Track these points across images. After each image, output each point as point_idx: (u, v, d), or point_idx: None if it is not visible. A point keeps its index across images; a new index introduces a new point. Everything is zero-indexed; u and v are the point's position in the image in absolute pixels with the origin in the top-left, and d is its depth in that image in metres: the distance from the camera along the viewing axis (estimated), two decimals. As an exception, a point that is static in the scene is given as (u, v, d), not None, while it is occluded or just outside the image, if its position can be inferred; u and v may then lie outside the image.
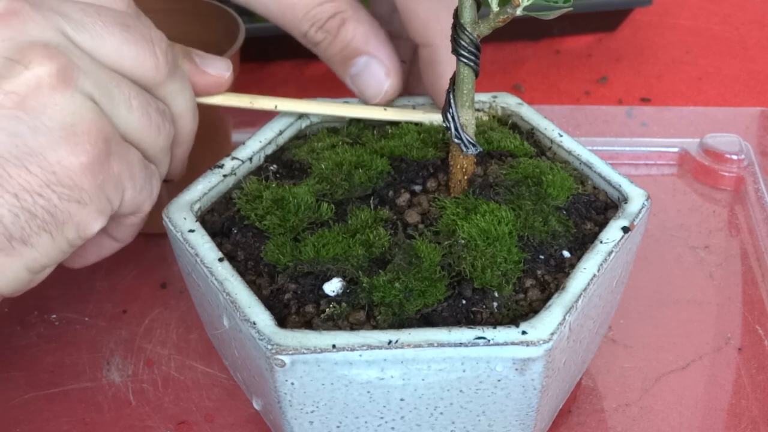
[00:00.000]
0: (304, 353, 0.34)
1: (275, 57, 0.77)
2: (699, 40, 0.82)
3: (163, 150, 0.40)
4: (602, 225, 0.41)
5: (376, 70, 0.46)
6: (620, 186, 0.42)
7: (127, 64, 0.38)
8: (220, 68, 0.44)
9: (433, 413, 0.37)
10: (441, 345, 0.34)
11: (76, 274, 0.56)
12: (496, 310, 0.37)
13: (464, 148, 0.40)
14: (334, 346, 0.34)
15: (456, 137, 0.40)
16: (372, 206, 0.41)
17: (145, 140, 0.39)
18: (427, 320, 0.37)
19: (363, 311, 0.37)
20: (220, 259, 0.38)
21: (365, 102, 0.47)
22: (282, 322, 0.36)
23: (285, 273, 0.38)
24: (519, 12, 0.34)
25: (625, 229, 0.40)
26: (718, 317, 0.52)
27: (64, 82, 0.35)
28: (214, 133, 0.57)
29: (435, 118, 0.46)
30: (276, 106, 0.46)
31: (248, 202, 0.41)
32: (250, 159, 0.45)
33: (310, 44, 0.47)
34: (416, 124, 0.46)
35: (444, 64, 0.45)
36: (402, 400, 0.36)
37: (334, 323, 0.36)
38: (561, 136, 0.46)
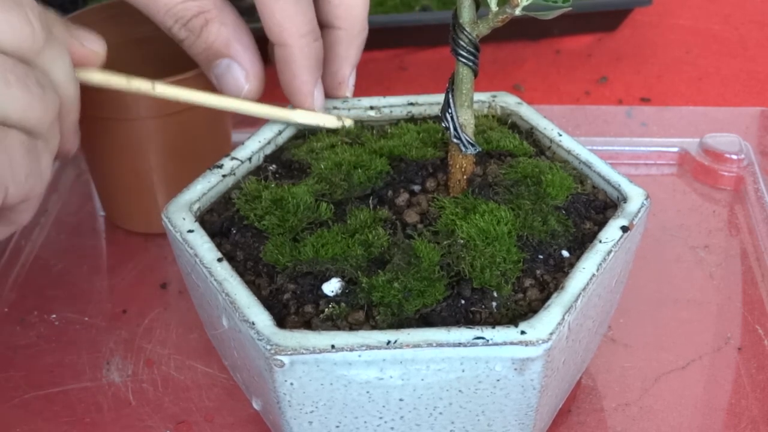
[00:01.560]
0: (303, 353, 0.34)
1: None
2: (699, 40, 0.82)
3: (51, 124, 0.38)
4: (601, 224, 0.41)
5: (237, 73, 0.47)
6: (619, 185, 0.42)
7: None
8: (94, 42, 0.43)
9: (432, 413, 0.37)
10: (440, 345, 0.34)
11: (76, 274, 0.56)
12: (495, 310, 0.37)
13: (463, 148, 0.40)
14: (333, 347, 0.34)
15: (455, 137, 0.40)
16: (371, 206, 0.41)
17: (30, 117, 0.36)
18: (426, 320, 0.37)
19: (362, 311, 0.37)
20: (219, 260, 0.38)
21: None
22: (281, 322, 0.36)
23: (284, 273, 0.38)
24: (518, 12, 0.34)
25: (625, 229, 0.40)
26: (718, 317, 0.52)
27: None
28: (213, 133, 0.57)
29: (294, 116, 0.47)
30: (154, 88, 0.44)
31: (247, 202, 0.41)
32: (250, 159, 0.45)
33: (176, 40, 0.47)
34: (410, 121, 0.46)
35: (297, 63, 0.45)
36: (401, 400, 0.36)
37: (333, 323, 0.36)
38: (560, 135, 0.46)
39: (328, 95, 0.49)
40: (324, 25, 0.48)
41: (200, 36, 0.46)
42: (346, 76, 0.49)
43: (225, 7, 0.47)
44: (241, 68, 0.47)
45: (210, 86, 0.54)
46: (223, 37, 0.46)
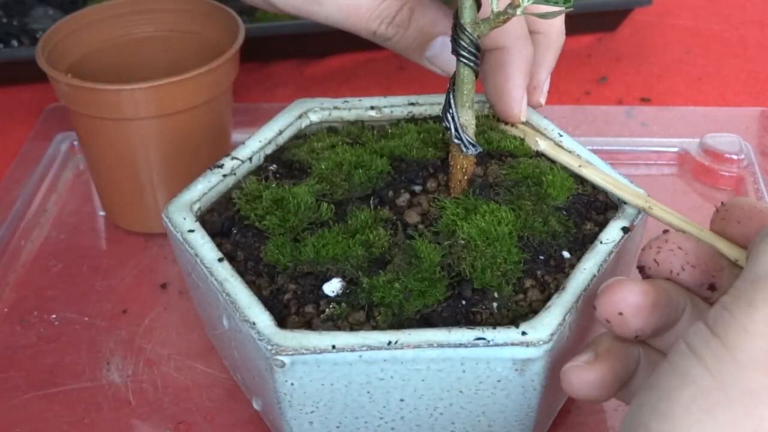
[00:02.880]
0: (303, 354, 0.34)
1: (275, 57, 0.77)
2: (699, 40, 0.82)
3: None
4: (602, 225, 0.41)
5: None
6: (620, 186, 0.42)
7: None
8: None
9: (432, 414, 0.37)
10: (441, 346, 0.34)
11: (76, 274, 0.56)
12: (495, 311, 0.37)
13: (464, 149, 0.40)
14: (333, 347, 0.34)
15: (456, 137, 0.40)
16: (372, 206, 0.41)
17: None
18: (426, 321, 0.37)
19: (363, 312, 0.37)
20: (220, 260, 0.38)
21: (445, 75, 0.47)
22: (282, 322, 0.36)
23: (285, 273, 0.38)
24: (519, 12, 0.34)
25: (625, 230, 0.40)
26: (718, 317, 0.52)
27: None
28: (213, 133, 0.57)
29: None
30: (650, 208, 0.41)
31: (248, 202, 0.41)
32: (250, 159, 0.45)
33: (379, 40, 0.47)
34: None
35: (513, 66, 0.44)
36: (402, 400, 0.36)
37: (334, 324, 0.36)
38: (561, 136, 0.46)
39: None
40: None
41: (409, 27, 0.45)
42: (542, 81, 0.47)
43: None
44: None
45: (209, 85, 0.54)
46: (430, 18, 0.45)
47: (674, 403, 0.27)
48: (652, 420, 0.27)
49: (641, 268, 0.36)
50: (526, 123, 0.46)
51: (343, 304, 0.37)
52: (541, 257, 0.39)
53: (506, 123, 0.46)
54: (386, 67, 0.77)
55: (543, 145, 0.44)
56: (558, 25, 0.47)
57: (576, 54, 0.80)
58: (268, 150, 0.46)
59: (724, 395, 0.26)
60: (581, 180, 0.43)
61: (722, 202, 0.37)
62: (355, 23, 0.46)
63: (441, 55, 0.46)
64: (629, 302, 0.33)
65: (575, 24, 0.81)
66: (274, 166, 0.45)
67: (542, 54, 0.47)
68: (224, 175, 0.44)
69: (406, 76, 0.76)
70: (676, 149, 0.64)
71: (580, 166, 0.43)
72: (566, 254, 0.39)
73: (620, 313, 0.33)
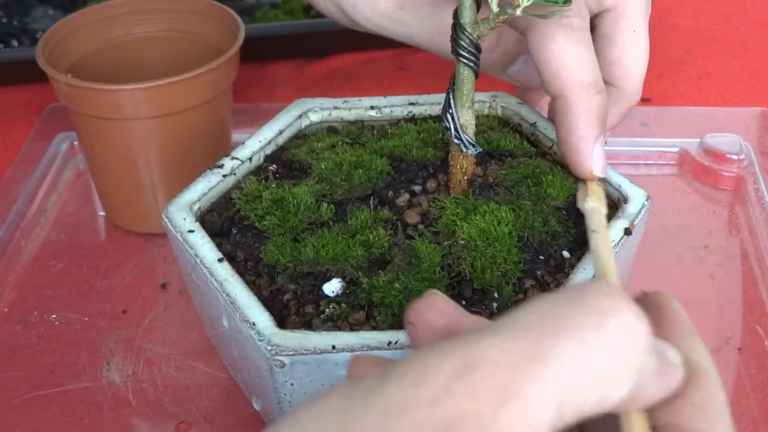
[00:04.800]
0: (303, 354, 0.34)
1: (275, 57, 0.77)
2: (699, 40, 0.82)
3: None
4: (602, 225, 0.40)
5: None
6: (620, 186, 0.42)
7: None
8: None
9: (432, 414, 0.37)
10: (441, 345, 0.34)
11: (76, 274, 0.56)
12: (495, 311, 0.37)
13: (464, 149, 0.40)
14: (333, 347, 0.34)
15: (456, 137, 0.40)
16: (372, 206, 0.41)
17: None
18: (426, 321, 0.36)
19: (363, 312, 0.37)
20: (220, 260, 0.38)
21: (526, 90, 0.50)
22: (282, 322, 0.36)
23: (285, 273, 0.38)
24: (519, 12, 0.34)
25: (626, 230, 0.40)
26: (718, 317, 0.52)
27: None
28: (213, 133, 0.57)
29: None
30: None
31: (248, 203, 0.41)
32: (250, 159, 0.45)
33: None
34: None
35: (574, 116, 0.40)
36: None
37: (334, 324, 0.36)
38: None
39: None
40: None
41: (496, 50, 0.47)
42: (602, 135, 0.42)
43: None
44: None
45: (209, 85, 0.54)
46: (513, 39, 0.46)
47: None
48: None
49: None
50: (603, 181, 0.41)
51: (343, 305, 0.37)
52: (541, 257, 0.39)
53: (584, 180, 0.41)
54: (386, 67, 0.77)
55: (589, 205, 0.39)
56: (637, 82, 0.45)
57: (576, 54, 0.80)
58: (268, 150, 0.46)
59: None
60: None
61: (644, 293, 0.32)
62: (438, 46, 0.46)
63: (522, 71, 0.48)
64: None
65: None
66: (274, 166, 0.45)
67: (611, 106, 0.43)
68: (224, 176, 0.44)
69: (406, 76, 0.76)
70: (676, 149, 0.64)
71: (593, 231, 0.37)
72: (566, 254, 0.39)
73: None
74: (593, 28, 0.44)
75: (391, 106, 0.49)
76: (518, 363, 0.22)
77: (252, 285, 0.38)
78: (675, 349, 0.26)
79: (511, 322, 0.23)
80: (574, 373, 0.22)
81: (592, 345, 0.23)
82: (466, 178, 0.42)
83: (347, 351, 0.34)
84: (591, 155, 0.40)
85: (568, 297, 0.24)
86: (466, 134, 0.40)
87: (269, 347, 0.34)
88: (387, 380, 0.22)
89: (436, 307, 0.28)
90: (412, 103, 0.49)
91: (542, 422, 0.22)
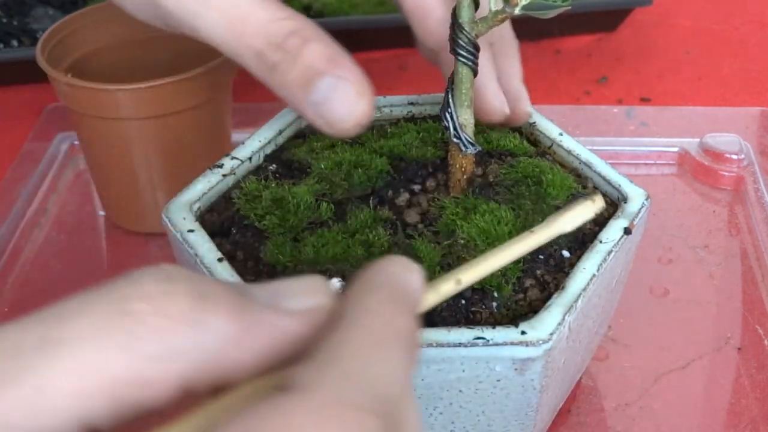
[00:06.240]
0: (303, 353, 0.34)
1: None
2: (699, 40, 0.82)
3: None
4: (602, 225, 0.41)
5: (346, 90, 0.38)
6: (620, 186, 0.42)
7: None
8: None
9: (432, 413, 0.37)
10: (440, 345, 0.34)
11: (76, 274, 0.56)
12: (495, 310, 0.37)
13: (463, 148, 0.40)
14: (333, 346, 0.34)
15: (455, 137, 0.40)
16: (371, 206, 0.41)
17: None
18: (426, 320, 0.36)
19: (362, 311, 0.37)
20: (220, 259, 0.38)
21: (332, 133, 0.39)
22: (281, 321, 0.36)
23: (284, 273, 0.38)
24: (517, 11, 0.34)
25: (626, 230, 0.40)
26: (718, 317, 0.52)
27: None
28: (213, 133, 0.57)
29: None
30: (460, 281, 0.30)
31: (248, 202, 0.41)
32: (250, 158, 0.45)
33: (263, 69, 0.39)
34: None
35: (483, 71, 0.41)
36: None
37: (334, 323, 0.36)
38: (561, 135, 0.46)
39: (511, 117, 0.45)
40: None
41: (298, 57, 0.38)
42: (519, 89, 0.45)
43: (318, 28, 0.40)
44: (350, 83, 0.38)
45: (209, 85, 0.54)
46: (326, 53, 0.38)
47: None
48: None
49: None
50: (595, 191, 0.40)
51: (343, 304, 0.37)
52: (541, 256, 0.39)
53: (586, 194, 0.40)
54: (386, 67, 0.77)
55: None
56: (508, 32, 0.46)
57: (576, 54, 0.80)
58: (268, 150, 0.46)
59: None
60: (581, 179, 0.43)
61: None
62: (240, 38, 0.39)
63: (328, 101, 0.38)
64: None
65: (575, 24, 0.81)
66: (274, 165, 0.45)
67: (507, 64, 0.45)
68: (224, 175, 0.44)
69: (406, 76, 0.76)
70: (676, 149, 0.64)
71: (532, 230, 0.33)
72: (566, 253, 0.39)
73: None
74: None
75: (391, 105, 0.49)
76: (28, 348, 0.21)
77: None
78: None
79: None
80: (112, 370, 0.21)
81: (124, 344, 0.21)
82: (465, 177, 0.42)
83: (347, 350, 0.34)
84: (499, 95, 0.43)
85: (98, 291, 0.23)
86: (465, 133, 0.40)
87: (269, 347, 0.34)
88: None
89: None
90: (411, 103, 0.49)
91: (58, 411, 0.20)
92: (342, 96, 0.38)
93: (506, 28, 0.45)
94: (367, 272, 0.25)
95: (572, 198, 0.41)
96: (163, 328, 0.21)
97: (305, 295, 0.24)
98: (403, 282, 0.24)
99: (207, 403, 0.23)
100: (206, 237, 0.40)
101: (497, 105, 0.44)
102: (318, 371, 0.21)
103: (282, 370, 0.22)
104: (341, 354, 0.21)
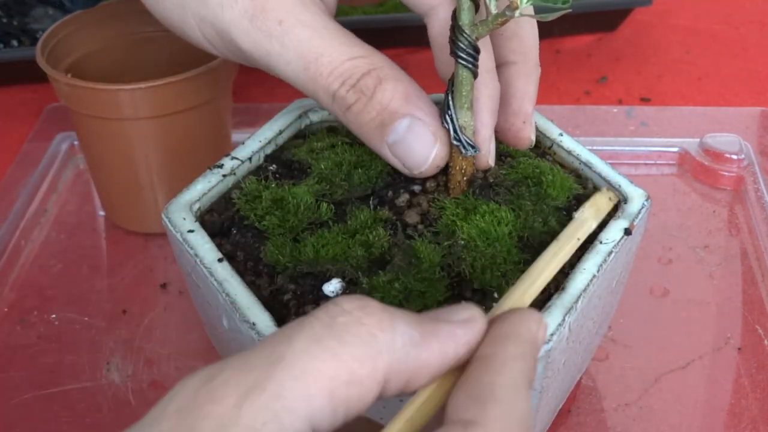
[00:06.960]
0: (303, 354, 0.34)
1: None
2: (699, 40, 0.82)
3: None
4: (602, 225, 0.41)
5: (423, 132, 0.39)
6: (620, 186, 0.42)
7: None
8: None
9: (432, 414, 0.37)
10: (440, 345, 0.34)
11: (76, 274, 0.56)
12: (495, 311, 0.37)
13: (463, 150, 0.40)
14: (333, 347, 0.34)
15: (455, 139, 0.40)
16: (371, 206, 0.41)
17: None
18: (426, 321, 0.36)
19: (362, 312, 0.37)
20: (220, 260, 0.38)
21: (410, 174, 0.40)
22: (281, 322, 0.36)
23: (284, 273, 0.38)
24: (518, 14, 0.34)
25: (626, 230, 0.40)
26: (718, 317, 0.52)
27: None
28: (213, 133, 0.57)
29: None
30: None
31: (248, 202, 0.41)
32: (250, 159, 0.45)
33: (339, 109, 0.39)
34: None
35: (479, 102, 0.40)
36: (401, 401, 0.36)
37: (334, 324, 0.36)
38: (561, 135, 0.46)
39: (512, 140, 0.44)
40: (497, 63, 0.42)
41: (373, 97, 0.38)
42: (530, 113, 0.43)
43: (394, 65, 0.40)
44: (426, 126, 0.38)
45: (209, 85, 0.54)
46: (401, 93, 0.38)
47: None
48: None
49: None
50: (600, 191, 0.41)
51: (343, 305, 0.37)
52: (541, 257, 0.39)
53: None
54: (386, 67, 0.77)
55: (579, 215, 0.38)
56: (534, 51, 0.43)
57: (576, 54, 0.80)
58: (268, 150, 0.46)
59: None
60: (581, 180, 0.43)
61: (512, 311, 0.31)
62: (313, 78, 0.39)
63: (404, 140, 0.39)
64: None
65: (575, 24, 0.81)
66: (274, 166, 0.45)
67: (524, 85, 0.43)
68: (224, 175, 0.44)
69: (406, 76, 0.76)
70: (676, 149, 0.64)
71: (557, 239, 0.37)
72: (566, 254, 0.39)
73: None
74: None
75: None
76: (260, 365, 0.25)
77: (252, 285, 0.38)
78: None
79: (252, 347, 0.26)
80: (329, 372, 0.25)
81: (336, 349, 0.26)
82: (465, 179, 0.42)
83: (347, 351, 0.34)
84: (491, 140, 0.42)
85: (306, 318, 0.27)
86: (465, 135, 0.40)
87: (269, 347, 0.34)
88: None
89: None
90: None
91: (293, 412, 0.24)
92: (418, 137, 0.39)
93: (532, 51, 0.43)
94: (512, 319, 0.30)
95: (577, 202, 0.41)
96: (365, 334, 0.26)
97: (466, 311, 0.30)
98: (536, 337, 0.30)
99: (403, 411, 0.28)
100: (206, 237, 0.40)
101: (483, 153, 0.41)
102: (485, 410, 0.26)
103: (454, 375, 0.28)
104: (500, 395, 0.27)
